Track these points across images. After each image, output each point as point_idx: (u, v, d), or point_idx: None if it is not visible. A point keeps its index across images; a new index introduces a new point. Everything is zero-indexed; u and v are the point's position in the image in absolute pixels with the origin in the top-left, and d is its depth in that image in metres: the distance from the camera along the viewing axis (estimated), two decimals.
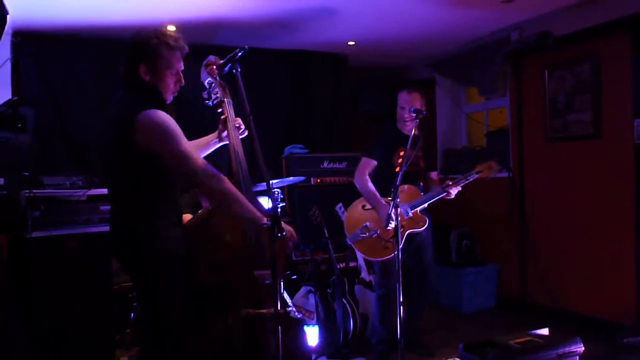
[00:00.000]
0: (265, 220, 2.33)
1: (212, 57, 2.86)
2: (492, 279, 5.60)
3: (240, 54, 2.45)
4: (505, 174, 5.42)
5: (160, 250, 2.42)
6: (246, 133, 2.79)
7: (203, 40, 5.25)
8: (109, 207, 3.98)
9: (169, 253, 2.44)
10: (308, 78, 6.13)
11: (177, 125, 2.39)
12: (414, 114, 3.76)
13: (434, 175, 4.28)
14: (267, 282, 2.51)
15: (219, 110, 2.81)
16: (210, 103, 2.83)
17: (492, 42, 5.40)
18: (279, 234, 2.21)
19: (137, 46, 2.46)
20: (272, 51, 5.80)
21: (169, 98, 2.55)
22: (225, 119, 2.75)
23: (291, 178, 4.35)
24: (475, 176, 3.96)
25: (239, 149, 2.70)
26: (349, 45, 5.78)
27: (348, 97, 6.36)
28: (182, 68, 2.55)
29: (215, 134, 2.82)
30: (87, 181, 3.94)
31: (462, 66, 5.83)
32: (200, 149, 2.82)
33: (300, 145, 5.67)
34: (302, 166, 5.43)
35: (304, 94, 6.10)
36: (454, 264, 5.60)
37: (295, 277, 4.57)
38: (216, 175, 2.38)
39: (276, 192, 4.15)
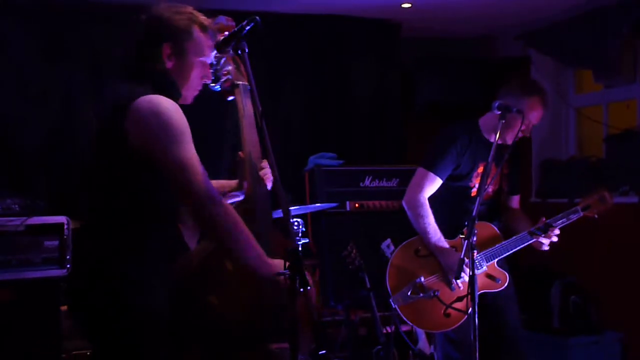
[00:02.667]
0: (278, 269, 2.38)
1: (222, 19, 2.92)
2: (615, 353, 5.56)
3: (248, 27, 2.50)
4: (634, 199, 5.39)
5: (144, 310, 2.48)
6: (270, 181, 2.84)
7: (189, 1, 5.37)
8: (56, 242, 4.12)
9: (155, 315, 2.51)
10: (343, 56, 6.19)
11: (187, 125, 2.45)
12: (499, 111, 3.73)
13: (515, 201, 4.27)
14: None
15: (230, 98, 2.87)
16: (217, 87, 2.89)
17: (616, 6, 5.40)
18: (302, 288, 2.25)
19: (158, 23, 2.58)
20: (291, 17, 5.88)
21: (190, 96, 2.67)
22: (243, 160, 2.79)
23: (318, 203, 4.40)
24: (580, 214, 3.96)
25: (257, 159, 2.76)
26: (404, 8, 5.84)
27: (401, 82, 6.40)
28: (212, 60, 2.69)
29: (236, 183, 2.87)
30: (26, 206, 4.05)
31: (570, 39, 5.83)
32: None
33: (331, 154, 5.72)
34: (334, 184, 5.48)
35: (337, 80, 6.17)
36: (556, 330, 5.58)
37: (324, 351, 4.61)
38: (221, 202, 2.44)
39: (296, 223, 4.21)
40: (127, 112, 2.41)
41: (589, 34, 5.62)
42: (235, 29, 2.52)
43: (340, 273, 5.03)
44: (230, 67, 2.86)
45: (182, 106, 2.54)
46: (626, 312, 5.55)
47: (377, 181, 5.62)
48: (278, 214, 3.35)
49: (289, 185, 5.34)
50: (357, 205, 5.50)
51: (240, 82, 2.85)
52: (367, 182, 5.59)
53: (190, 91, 2.66)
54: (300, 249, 4.09)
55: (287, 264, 2.28)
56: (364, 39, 6.24)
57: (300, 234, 4.21)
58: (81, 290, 2.55)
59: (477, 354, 3.32)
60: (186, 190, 2.42)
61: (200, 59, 2.62)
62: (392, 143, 6.29)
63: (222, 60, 2.86)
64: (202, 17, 2.64)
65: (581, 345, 5.46)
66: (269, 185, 2.85)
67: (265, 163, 2.83)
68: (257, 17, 2.48)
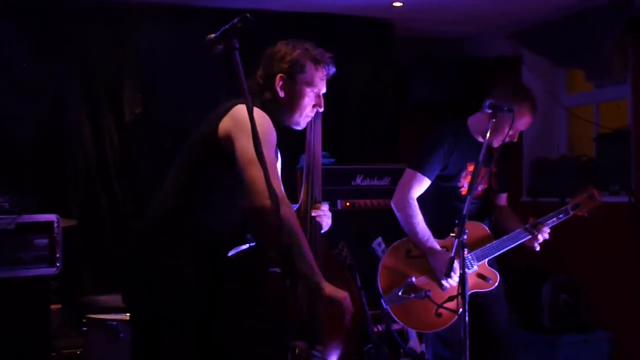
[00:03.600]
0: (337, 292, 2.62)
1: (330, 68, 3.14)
2: (604, 352, 5.58)
3: (239, 25, 2.50)
4: (624, 198, 5.40)
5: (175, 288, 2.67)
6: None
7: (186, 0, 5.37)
8: (46, 240, 4.11)
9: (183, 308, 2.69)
10: (335, 54, 6.14)
11: (275, 137, 2.70)
12: (490, 110, 3.72)
13: (503, 199, 4.27)
14: None
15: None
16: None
17: (607, 6, 5.41)
18: (292, 286, 2.26)
19: (275, 56, 2.91)
20: (283, 15, 5.87)
21: (302, 123, 3.01)
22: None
23: None
24: (570, 213, 3.98)
25: (318, 171, 2.94)
26: (395, 7, 5.84)
27: (393, 81, 6.40)
28: (325, 91, 3.01)
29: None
30: (17, 203, 4.03)
31: (562, 38, 5.84)
32: None
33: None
34: (325, 182, 5.40)
35: (329, 78, 6.16)
36: (546, 329, 5.59)
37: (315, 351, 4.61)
38: (289, 204, 2.58)
39: None
40: (227, 112, 2.71)
41: (581, 33, 5.63)
42: (226, 26, 2.52)
43: None
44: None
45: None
46: (616, 311, 5.57)
47: (368, 180, 5.62)
48: None
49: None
50: (348, 203, 5.50)
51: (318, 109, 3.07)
52: (358, 180, 5.59)
53: (302, 117, 2.97)
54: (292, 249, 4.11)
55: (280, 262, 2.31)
56: (356, 38, 6.24)
57: None
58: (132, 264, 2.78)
59: (468, 352, 3.32)
60: (252, 182, 2.53)
61: (310, 89, 2.91)
62: (384, 142, 6.30)
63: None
64: (317, 52, 2.97)
65: (571, 343, 5.48)
66: (325, 229, 3.22)
67: (324, 205, 3.23)
68: (249, 15, 2.48)
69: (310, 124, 3.23)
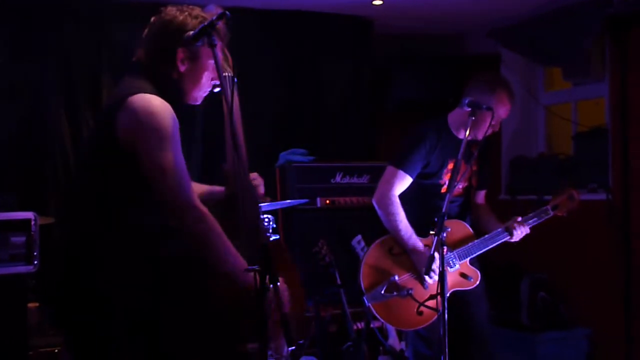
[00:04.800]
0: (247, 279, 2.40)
1: (212, 8, 2.94)
2: (582, 349, 5.60)
3: (218, 22, 2.51)
4: (602, 196, 5.43)
5: (120, 303, 2.49)
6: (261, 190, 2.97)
7: None
8: (23, 238, 4.07)
9: (131, 309, 2.51)
10: (314, 52, 6.18)
11: (178, 129, 2.49)
12: (469, 108, 3.74)
13: (481, 196, 4.30)
14: None
15: (217, 90, 2.88)
16: None
17: (586, 3, 5.43)
18: (272, 285, 2.25)
19: (172, 27, 2.64)
20: (263, 13, 5.86)
21: (200, 97, 2.76)
22: (229, 173, 2.86)
23: (289, 199, 4.39)
24: (551, 214, 4.02)
25: (242, 146, 2.80)
26: (375, 5, 5.84)
27: (373, 79, 6.41)
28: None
29: (224, 190, 2.93)
30: None
31: (540, 36, 5.86)
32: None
33: (302, 150, 5.72)
34: (305, 180, 5.47)
35: (308, 76, 6.16)
36: (525, 327, 5.61)
37: (292, 347, 4.60)
38: (201, 211, 2.46)
39: (266, 220, 4.19)
40: (123, 104, 2.46)
41: (559, 31, 5.65)
42: (205, 23, 2.53)
43: (310, 269, 5.01)
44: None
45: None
46: (594, 308, 5.60)
47: (347, 177, 5.62)
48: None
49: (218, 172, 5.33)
50: (327, 201, 5.50)
51: (228, 74, 2.89)
52: (338, 178, 5.59)
53: (201, 92, 2.75)
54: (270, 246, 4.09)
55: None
56: (335, 36, 6.23)
57: (270, 231, 4.19)
58: (57, 282, 2.58)
59: (447, 350, 3.33)
60: (166, 195, 2.45)
61: (211, 61, 2.67)
62: (363, 140, 6.29)
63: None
64: (215, 22, 2.65)
65: (549, 341, 5.50)
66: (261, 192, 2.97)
67: (254, 175, 2.93)
68: (227, 12, 2.49)
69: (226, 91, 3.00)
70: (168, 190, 2.44)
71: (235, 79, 2.76)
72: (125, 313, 2.51)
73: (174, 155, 2.45)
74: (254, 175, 2.91)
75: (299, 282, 3.00)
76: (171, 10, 2.68)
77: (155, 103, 2.48)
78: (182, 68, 2.64)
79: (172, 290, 2.62)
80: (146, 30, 2.72)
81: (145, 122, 2.44)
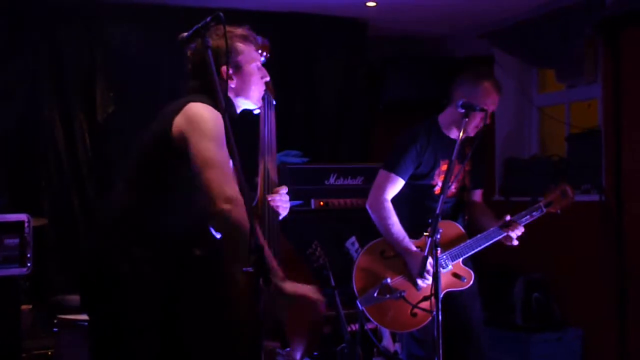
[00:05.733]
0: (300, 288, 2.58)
1: (259, 39, 3.12)
2: (576, 349, 5.61)
3: (212, 23, 2.52)
4: (595, 197, 5.45)
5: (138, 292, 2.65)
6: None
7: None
8: (16, 240, 4.07)
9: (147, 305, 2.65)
10: (308, 53, 6.19)
11: (224, 134, 2.58)
12: (463, 110, 3.74)
13: (478, 195, 4.30)
14: None
15: (257, 111, 3.10)
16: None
17: (579, 5, 5.45)
18: (266, 286, 2.25)
19: (205, 53, 2.67)
20: (257, 15, 5.86)
21: (258, 97, 2.99)
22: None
23: None
24: (544, 210, 4.00)
25: (274, 170, 2.91)
26: (369, 6, 5.84)
27: (366, 80, 6.41)
28: (264, 60, 3.08)
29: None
30: None
31: (534, 38, 5.88)
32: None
33: (296, 152, 5.72)
34: (299, 182, 5.47)
35: (302, 77, 6.17)
36: (519, 327, 5.62)
37: (287, 349, 4.60)
38: (242, 204, 2.49)
39: None
40: (181, 110, 2.69)
41: (552, 33, 5.67)
42: (199, 25, 2.53)
43: None
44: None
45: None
46: (588, 308, 5.61)
47: (341, 179, 5.62)
48: None
49: (253, 183, 5.33)
50: (321, 203, 5.50)
51: (266, 94, 3.02)
52: (331, 180, 5.59)
53: (257, 92, 2.97)
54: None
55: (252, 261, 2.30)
56: (329, 37, 6.24)
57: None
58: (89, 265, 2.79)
59: (441, 351, 3.33)
60: (209, 186, 2.55)
61: (253, 64, 2.93)
62: (357, 141, 6.30)
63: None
64: (238, 30, 2.93)
65: (543, 341, 5.51)
66: (282, 215, 3.23)
67: (282, 189, 3.22)
68: (221, 14, 2.49)
69: (262, 111, 3.22)
70: (211, 181, 2.55)
71: (274, 102, 3.14)
72: (145, 305, 2.67)
73: (218, 151, 2.59)
74: (283, 189, 3.20)
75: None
76: (200, 40, 2.76)
77: (205, 108, 2.68)
78: (233, 83, 2.88)
79: (195, 288, 2.77)
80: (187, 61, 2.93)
81: (195, 123, 2.65)
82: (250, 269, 2.29)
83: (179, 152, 2.66)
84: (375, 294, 3.93)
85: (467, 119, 3.67)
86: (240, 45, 2.90)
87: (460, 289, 4.00)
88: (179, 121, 2.68)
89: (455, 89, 3.99)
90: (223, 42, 2.71)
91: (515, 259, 5.66)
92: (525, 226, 4.00)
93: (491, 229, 4.01)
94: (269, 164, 3.00)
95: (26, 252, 4.11)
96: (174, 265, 2.75)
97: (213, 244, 2.87)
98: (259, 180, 2.98)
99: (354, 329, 4.82)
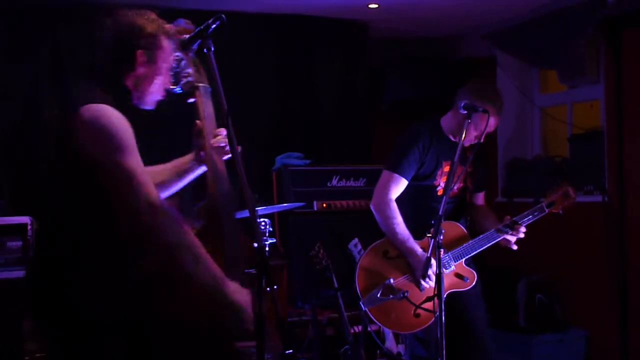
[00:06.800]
0: (238, 295, 2.39)
1: (182, 22, 2.93)
2: (579, 350, 5.61)
3: (214, 25, 2.51)
4: (597, 198, 5.44)
5: (103, 313, 2.43)
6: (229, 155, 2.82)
7: (153, 0, 5.31)
8: (19, 243, 4.07)
9: (112, 316, 2.46)
10: (310, 56, 6.19)
11: (133, 135, 2.46)
12: (465, 111, 3.73)
13: (481, 197, 4.30)
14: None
15: (191, 100, 2.86)
16: (178, 89, 2.88)
17: (580, 6, 5.45)
18: (269, 288, 2.25)
19: (131, 30, 2.64)
20: (259, 17, 5.87)
21: (154, 102, 2.73)
22: (200, 130, 2.78)
23: (285, 203, 4.39)
24: (546, 211, 3.99)
25: (220, 161, 2.74)
26: (370, 8, 5.85)
27: (368, 82, 6.41)
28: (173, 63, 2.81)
29: (191, 155, 2.85)
30: None
31: (535, 39, 5.87)
32: (172, 177, 2.84)
33: (298, 154, 5.72)
34: (301, 184, 5.47)
35: (304, 79, 6.17)
36: (522, 328, 5.62)
37: (290, 350, 4.60)
38: (174, 219, 2.42)
39: (263, 223, 4.18)
40: (77, 115, 2.45)
41: (554, 34, 5.66)
42: (201, 27, 2.53)
43: (307, 273, 5.02)
44: (190, 70, 2.85)
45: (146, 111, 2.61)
46: (591, 309, 5.61)
47: (344, 181, 5.62)
48: (245, 214, 3.33)
49: (256, 185, 5.33)
50: (324, 205, 5.50)
51: (201, 85, 2.84)
52: (334, 181, 5.59)
53: (155, 96, 2.71)
54: (267, 249, 4.09)
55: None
56: (331, 39, 6.24)
57: (267, 234, 4.19)
58: (36, 288, 2.55)
59: (445, 352, 3.32)
60: (133, 203, 2.41)
61: (166, 65, 2.69)
62: (359, 143, 6.30)
63: (183, 62, 2.86)
64: (167, 25, 2.74)
65: (547, 342, 5.51)
66: (226, 157, 2.80)
67: (220, 131, 2.80)
68: (223, 16, 2.48)
69: (199, 101, 2.88)
70: (131, 192, 2.41)
71: (210, 89, 2.77)
72: (106, 325, 2.46)
73: (134, 160, 2.44)
74: (220, 130, 2.82)
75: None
76: (128, 14, 2.69)
77: (105, 111, 2.45)
78: (141, 71, 2.64)
79: (152, 299, 2.55)
80: (100, 33, 2.71)
81: (100, 132, 2.42)
82: (252, 271, 2.29)
83: (86, 170, 2.44)
84: (379, 295, 3.92)
85: (469, 121, 3.67)
86: (164, 40, 2.69)
87: (464, 289, 4.00)
88: (82, 134, 2.44)
89: (460, 97, 3.91)
90: (154, 26, 2.63)
91: (518, 260, 5.66)
92: (527, 227, 4.00)
93: (492, 229, 4.01)
94: (213, 155, 2.76)
95: (29, 254, 4.11)
96: (126, 283, 2.50)
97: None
98: (208, 172, 2.78)
99: (357, 330, 4.82)
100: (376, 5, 5.76)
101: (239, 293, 2.46)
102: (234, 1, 5.49)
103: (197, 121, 2.82)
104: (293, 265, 5.27)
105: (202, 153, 2.81)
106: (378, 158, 5.71)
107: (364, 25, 6.30)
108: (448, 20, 6.29)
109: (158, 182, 2.75)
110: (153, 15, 2.70)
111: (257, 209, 3.76)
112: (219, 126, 2.80)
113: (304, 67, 6.17)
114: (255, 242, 2.34)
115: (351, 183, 5.63)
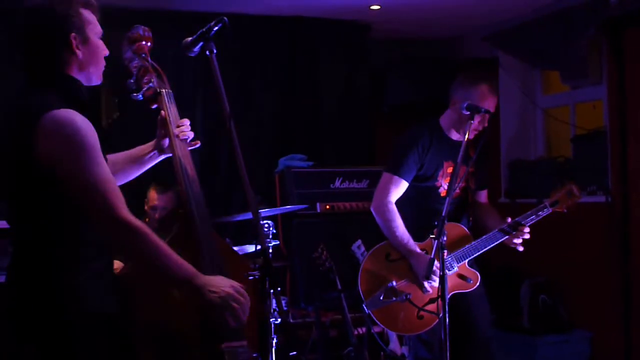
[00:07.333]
0: (200, 279, 2.32)
1: (139, 29, 2.94)
2: (583, 351, 5.61)
3: (216, 28, 2.52)
4: (601, 198, 5.44)
5: (75, 311, 2.40)
6: (197, 144, 2.82)
7: (156, 3, 5.33)
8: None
9: (89, 315, 2.43)
10: (312, 57, 6.20)
11: (96, 137, 2.39)
12: (468, 112, 3.75)
13: (483, 195, 4.30)
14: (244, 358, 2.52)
15: (154, 106, 2.86)
16: (140, 96, 2.87)
17: (582, 6, 5.45)
18: (272, 289, 2.25)
19: (51, 17, 2.49)
20: (261, 19, 5.87)
21: (100, 77, 2.63)
22: (164, 120, 2.79)
23: (288, 205, 4.39)
24: (549, 210, 3.98)
25: (187, 161, 2.72)
26: (372, 9, 5.86)
27: (370, 83, 6.42)
28: (133, 71, 2.75)
29: (152, 143, 2.85)
30: None
31: (537, 39, 5.87)
32: (132, 165, 2.85)
33: (301, 156, 5.72)
34: (304, 186, 5.47)
35: (306, 82, 6.18)
36: (526, 330, 5.61)
37: (294, 352, 4.60)
38: (135, 224, 2.35)
39: (266, 225, 4.18)
40: (37, 128, 2.32)
41: (556, 34, 5.66)
42: (203, 29, 2.53)
43: (310, 275, 5.03)
44: (150, 76, 2.85)
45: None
46: (595, 310, 5.60)
47: (347, 182, 5.63)
48: (248, 216, 3.34)
49: (259, 187, 5.35)
50: (327, 206, 5.50)
51: (164, 90, 2.83)
52: (337, 183, 5.59)
53: (100, 69, 2.62)
54: (270, 250, 4.09)
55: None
56: (333, 41, 6.25)
57: (270, 236, 4.19)
58: (12, 297, 2.47)
59: (448, 353, 3.32)
60: (95, 211, 2.35)
61: (99, 36, 2.58)
62: (362, 144, 6.31)
63: (142, 69, 2.86)
64: None
65: (550, 343, 5.51)
66: (195, 145, 2.81)
67: (183, 121, 2.80)
68: (225, 18, 2.48)
69: (164, 107, 2.87)
70: (99, 205, 2.33)
71: (172, 93, 2.76)
72: (82, 333, 2.42)
73: (99, 167, 2.35)
74: (183, 121, 2.82)
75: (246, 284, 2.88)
76: (39, 2, 2.53)
77: (69, 117, 2.35)
78: (80, 53, 2.52)
79: (129, 305, 2.55)
80: (16, 30, 2.60)
81: (64, 142, 2.32)
82: (256, 273, 2.29)
83: (48, 179, 2.34)
84: (381, 298, 3.93)
85: (472, 121, 3.68)
86: (85, 13, 2.54)
87: (467, 290, 4.00)
88: (41, 141, 2.31)
89: (453, 91, 4.02)
90: (64, 6, 2.46)
91: (521, 261, 5.65)
92: (531, 228, 4.00)
93: (495, 230, 4.01)
94: (182, 157, 2.73)
95: None
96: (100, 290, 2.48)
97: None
98: (177, 175, 2.75)
99: (360, 332, 4.81)
100: (378, 7, 5.76)
101: (218, 292, 2.36)
102: (236, 3, 5.49)
103: (162, 111, 2.80)
104: (296, 267, 5.28)
105: (164, 141, 2.80)
106: (380, 159, 5.72)
107: (365, 27, 6.30)
108: (450, 21, 6.30)
109: (118, 170, 2.75)
110: None
111: (260, 211, 3.76)
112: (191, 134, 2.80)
113: (307, 68, 6.17)
114: (259, 244, 2.34)
115: (354, 185, 5.64)
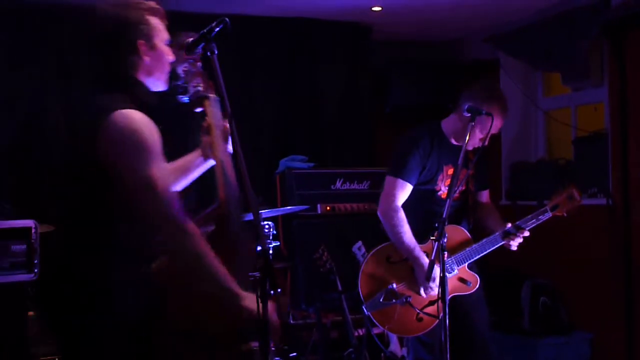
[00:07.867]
0: (247, 301, 2.39)
1: (189, 37, 2.95)
2: (584, 353, 5.61)
3: (217, 29, 2.52)
4: (602, 200, 5.44)
5: (104, 312, 2.46)
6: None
7: (163, 4, 5.33)
8: (23, 246, 4.07)
9: (116, 316, 2.48)
10: (314, 59, 6.20)
11: (158, 140, 2.46)
12: (469, 114, 3.73)
13: (485, 195, 4.30)
14: None
15: (198, 109, 2.87)
16: (186, 99, 2.89)
17: (584, 7, 5.45)
18: (272, 291, 2.25)
19: (121, 23, 2.59)
20: (262, 20, 5.88)
21: (165, 82, 2.73)
22: (210, 125, 2.80)
23: (289, 206, 4.39)
24: (550, 214, 3.98)
25: (229, 167, 2.74)
26: (374, 10, 5.86)
27: (371, 85, 6.42)
28: (181, 72, 2.80)
29: (199, 151, 2.86)
30: None
31: (539, 41, 5.87)
32: (181, 176, 2.87)
33: (302, 157, 5.73)
34: (305, 187, 5.48)
35: (308, 83, 6.18)
36: (526, 331, 5.61)
37: (294, 353, 4.61)
38: (185, 227, 2.42)
39: (267, 226, 4.19)
40: (102, 126, 2.42)
41: (557, 36, 5.66)
42: (205, 30, 2.54)
43: (311, 276, 5.03)
44: (199, 79, 2.87)
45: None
46: (596, 312, 5.60)
47: (348, 184, 5.63)
48: (249, 217, 3.33)
49: (260, 188, 5.35)
50: (328, 207, 5.51)
51: (211, 95, 2.86)
52: (338, 184, 5.60)
53: (165, 76, 2.72)
54: (271, 252, 4.09)
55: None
56: (334, 42, 6.26)
57: (271, 237, 4.20)
58: (50, 295, 2.55)
59: (448, 355, 3.33)
60: (153, 211, 2.42)
61: (165, 43, 2.68)
62: (363, 146, 6.31)
63: (192, 72, 2.87)
64: (148, 3, 2.68)
65: (551, 345, 5.51)
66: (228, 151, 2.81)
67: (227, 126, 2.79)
68: (227, 19, 2.49)
69: (209, 111, 2.88)
70: (155, 205, 2.42)
71: (218, 99, 2.76)
72: (117, 327, 2.49)
73: (157, 167, 2.43)
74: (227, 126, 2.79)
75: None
76: (109, 8, 2.63)
77: (132, 118, 2.44)
78: (147, 59, 2.62)
79: (165, 305, 2.57)
80: (91, 35, 2.69)
81: (125, 140, 2.41)
82: (257, 274, 2.29)
83: (108, 176, 2.43)
84: (381, 300, 3.94)
85: (473, 124, 3.66)
86: (152, 20, 2.65)
87: (466, 293, 4.00)
88: (106, 139, 2.42)
89: (464, 99, 3.92)
90: (134, 14, 2.57)
91: (522, 263, 5.66)
92: (531, 230, 4.00)
93: (496, 234, 4.01)
94: (223, 162, 2.75)
95: (33, 258, 4.11)
96: (141, 288, 2.54)
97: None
98: (218, 178, 2.78)
99: (361, 333, 4.82)
100: (380, 8, 5.77)
101: (249, 299, 2.45)
102: (237, 4, 5.50)
103: (207, 117, 2.83)
104: (297, 268, 5.28)
105: (209, 147, 2.81)
106: (381, 161, 5.73)
107: (367, 28, 6.31)
108: (451, 23, 6.30)
109: (170, 182, 2.74)
110: (131, 1, 2.64)
111: (260, 211, 3.76)
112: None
113: (308, 70, 6.18)
114: (260, 245, 2.35)
115: (355, 186, 5.64)
